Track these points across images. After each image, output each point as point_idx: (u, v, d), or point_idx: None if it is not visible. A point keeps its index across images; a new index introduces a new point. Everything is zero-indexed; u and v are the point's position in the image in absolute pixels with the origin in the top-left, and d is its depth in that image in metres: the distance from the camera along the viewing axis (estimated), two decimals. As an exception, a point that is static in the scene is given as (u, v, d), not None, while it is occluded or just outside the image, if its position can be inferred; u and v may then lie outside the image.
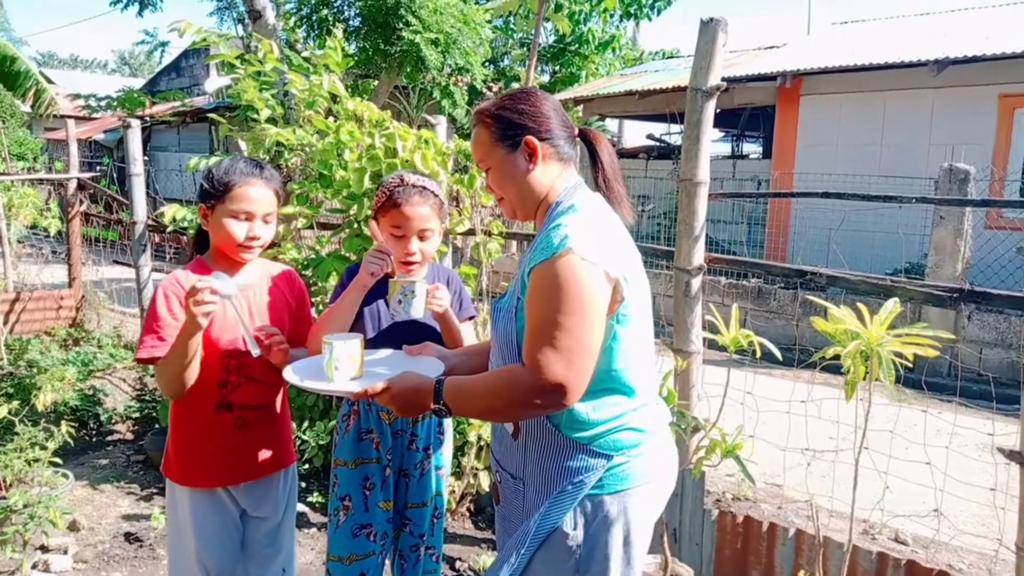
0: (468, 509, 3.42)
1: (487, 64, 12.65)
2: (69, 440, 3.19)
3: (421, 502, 2.17)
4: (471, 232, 3.52)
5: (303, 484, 3.50)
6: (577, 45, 14.37)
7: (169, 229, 4.24)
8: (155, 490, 3.61)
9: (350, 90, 4.04)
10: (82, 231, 6.13)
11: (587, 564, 1.45)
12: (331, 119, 3.43)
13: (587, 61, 14.64)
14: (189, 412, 1.94)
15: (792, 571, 2.66)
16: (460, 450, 3.27)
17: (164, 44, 25.83)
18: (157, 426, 4.14)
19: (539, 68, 14.89)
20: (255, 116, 3.57)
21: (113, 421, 4.39)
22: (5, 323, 5.40)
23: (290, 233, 3.62)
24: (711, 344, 2.38)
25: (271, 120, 3.58)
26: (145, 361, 1.84)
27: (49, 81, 9.26)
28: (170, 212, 4.05)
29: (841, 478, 2.95)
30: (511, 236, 3.66)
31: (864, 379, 1.91)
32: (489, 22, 9.52)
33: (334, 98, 3.51)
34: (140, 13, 11.92)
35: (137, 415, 4.43)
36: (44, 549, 2.98)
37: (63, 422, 3.18)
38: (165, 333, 1.82)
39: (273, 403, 2.03)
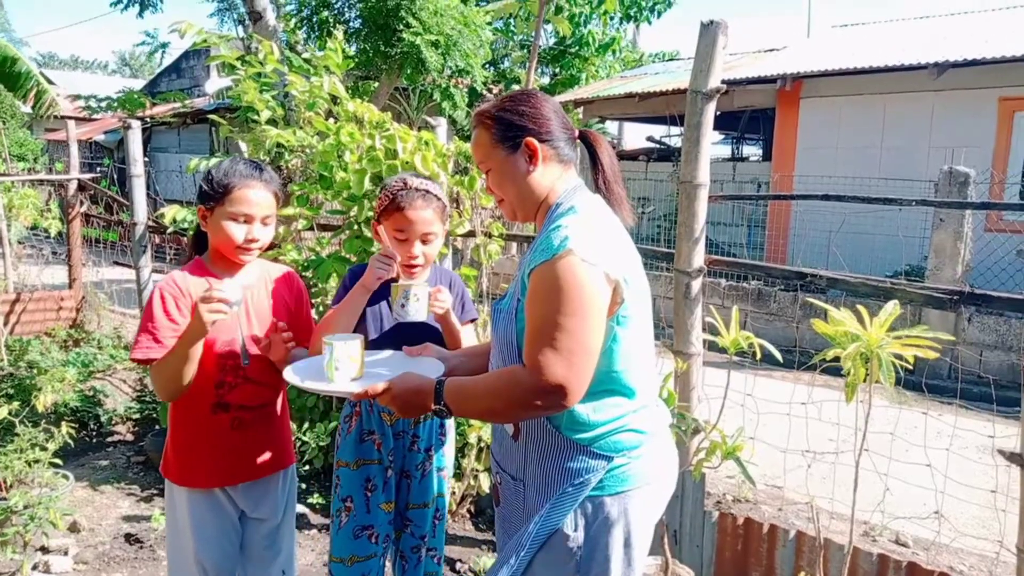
0: (468, 511, 3.42)
1: (487, 66, 12.65)
2: (69, 441, 3.19)
3: (422, 503, 2.17)
4: (471, 234, 3.52)
5: (303, 485, 3.50)
6: (577, 47, 14.38)
7: (169, 230, 4.24)
8: (155, 491, 3.61)
9: (350, 92, 4.04)
10: (82, 232, 6.13)
11: (588, 566, 1.45)
12: (331, 121, 3.43)
13: (587, 63, 14.65)
14: (187, 413, 1.95)
15: (793, 573, 2.66)
16: (460, 451, 3.27)
17: (165, 45, 25.86)
18: (157, 427, 4.14)
19: (539, 70, 14.90)
20: (255, 117, 3.57)
21: (113, 422, 4.39)
22: (5, 324, 5.39)
23: (290, 234, 3.62)
24: (711, 346, 2.39)
25: (271, 121, 3.58)
26: (140, 361, 1.84)
27: (50, 82, 9.27)
28: (170, 213, 4.05)
29: (841, 480, 2.95)
30: (511, 238, 3.66)
31: (864, 381, 1.91)
32: (489, 24, 9.52)
33: (334, 100, 3.51)
34: (140, 14, 11.94)
35: (137, 416, 4.43)
36: (44, 550, 2.98)
37: (63, 423, 3.18)
38: (161, 334, 1.82)
39: (271, 404, 2.03)
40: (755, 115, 11.89)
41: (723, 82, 2.44)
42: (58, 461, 3.12)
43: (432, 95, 11.19)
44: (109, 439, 4.30)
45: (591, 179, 1.61)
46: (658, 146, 14.03)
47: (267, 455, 2.01)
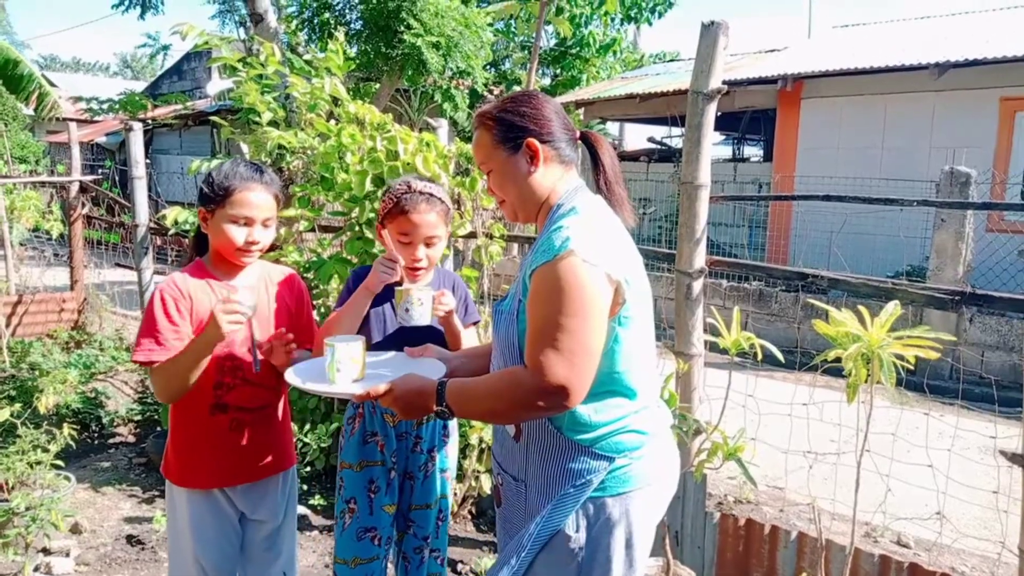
0: (470, 512, 3.42)
1: (488, 67, 12.67)
2: (71, 443, 3.19)
3: (425, 504, 2.17)
4: (472, 235, 3.52)
5: (305, 487, 3.50)
6: (578, 48, 14.39)
7: (171, 232, 4.24)
8: (157, 493, 3.61)
9: (351, 93, 4.05)
10: (84, 234, 6.13)
11: (589, 567, 1.45)
12: (333, 122, 3.43)
13: (588, 64, 14.65)
14: (186, 414, 1.95)
15: (794, 574, 2.66)
16: (462, 453, 3.27)
17: (166, 47, 25.92)
18: (159, 429, 4.14)
19: (540, 71, 14.92)
20: (257, 119, 3.57)
21: (115, 424, 4.40)
22: (7, 326, 5.40)
23: (292, 236, 3.63)
24: (712, 347, 2.39)
25: (273, 123, 3.59)
26: (142, 363, 1.84)
27: (51, 84, 9.30)
28: (172, 215, 4.05)
29: (843, 481, 2.94)
30: (512, 239, 3.66)
31: (865, 382, 1.91)
32: (490, 25, 9.53)
33: (336, 101, 3.51)
34: (142, 16, 11.94)
35: (139, 418, 4.43)
36: (46, 552, 2.99)
37: (65, 425, 3.18)
38: (163, 336, 1.82)
39: (270, 405, 2.03)
40: (756, 116, 11.89)
41: (724, 83, 2.44)
42: (60, 463, 3.13)
43: (433, 96, 11.20)
44: (111, 441, 4.31)
45: (592, 180, 1.61)
46: (659, 147, 14.03)
47: (266, 457, 2.01)
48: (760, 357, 2.20)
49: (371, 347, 2.02)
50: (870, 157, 9.09)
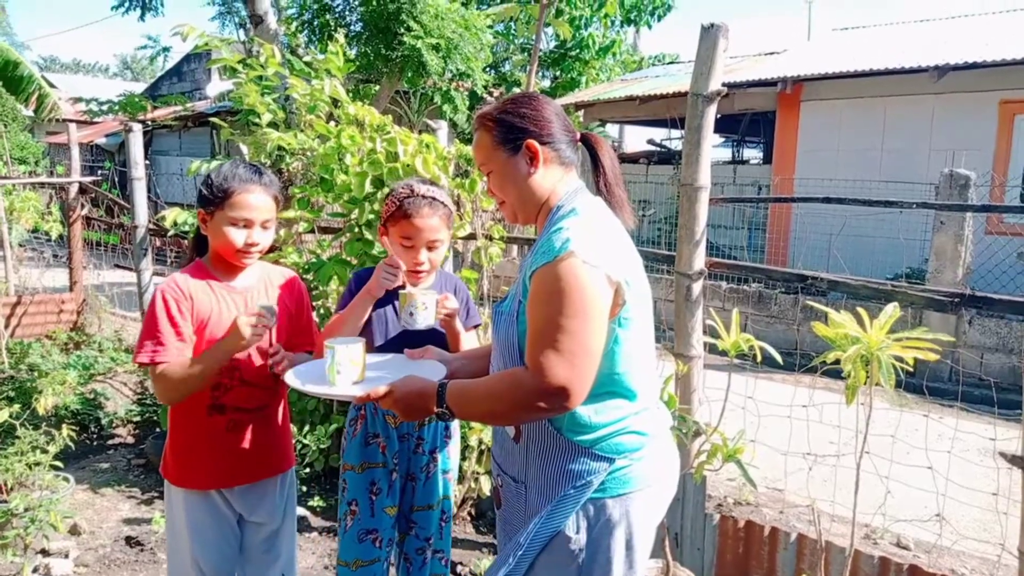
0: (469, 513, 3.42)
1: (488, 69, 12.68)
2: (70, 444, 3.19)
3: (427, 505, 2.17)
4: (472, 236, 3.52)
5: (304, 488, 3.50)
6: (578, 50, 14.40)
7: (170, 233, 4.24)
8: (156, 494, 3.61)
9: (351, 95, 4.05)
10: (83, 235, 6.13)
11: (589, 568, 1.45)
12: (332, 124, 3.43)
13: (588, 66, 14.67)
14: (184, 414, 1.95)
15: (793, 576, 2.66)
16: (461, 454, 3.27)
17: (166, 49, 25.92)
18: (158, 430, 4.14)
19: (540, 73, 14.93)
20: (257, 120, 3.58)
21: (114, 425, 4.39)
22: (6, 327, 5.40)
23: (291, 237, 3.63)
24: (712, 348, 2.39)
25: (272, 124, 3.59)
26: (145, 365, 1.84)
27: (51, 85, 9.30)
28: (171, 216, 4.06)
29: (842, 483, 2.94)
30: (512, 240, 3.66)
31: (865, 383, 1.91)
32: (490, 27, 9.55)
33: (335, 103, 3.52)
34: (142, 17, 11.95)
35: (138, 419, 4.43)
36: (45, 553, 2.98)
37: (64, 426, 3.17)
38: (164, 338, 1.82)
39: (268, 406, 2.03)
40: (756, 118, 11.91)
41: (724, 85, 2.44)
42: (59, 464, 3.12)
43: (433, 98, 11.21)
44: (110, 442, 4.30)
45: (592, 182, 1.62)
46: (659, 149, 14.03)
47: (265, 458, 2.01)
48: (759, 359, 2.20)
49: (373, 350, 2.02)
50: (870, 159, 9.10)
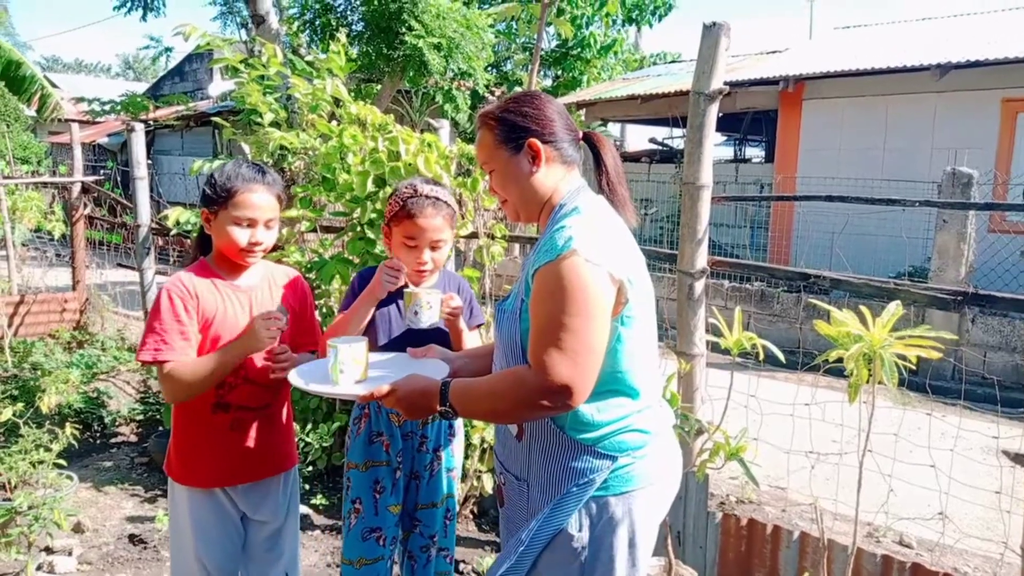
0: (472, 511, 3.42)
1: (489, 68, 12.69)
2: (73, 442, 3.20)
3: (431, 503, 2.17)
4: (474, 235, 3.52)
5: (307, 486, 3.51)
6: (579, 49, 14.39)
7: (173, 232, 4.25)
8: (159, 492, 3.62)
9: (353, 94, 4.05)
10: (86, 234, 6.14)
11: (592, 566, 1.45)
12: (334, 123, 3.44)
13: (589, 65, 14.66)
14: (188, 413, 1.96)
15: (796, 574, 2.66)
16: (464, 452, 3.27)
17: (169, 49, 25.95)
18: (161, 428, 4.15)
19: (542, 72, 14.93)
20: (259, 120, 3.58)
21: (117, 423, 4.40)
22: (9, 326, 5.41)
23: (294, 236, 3.63)
24: (714, 347, 2.39)
25: (274, 124, 3.59)
26: (148, 363, 1.84)
27: (54, 85, 9.29)
28: (173, 215, 4.06)
29: (845, 481, 2.95)
30: (514, 239, 3.66)
31: (867, 382, 1.91)
32: (492, 26, 9.55)
33: (337, 102, 3.52)
34: (143, 18, 11.96)
35: (141, 417, 4.44)
36: (49, 551, 2.99)
37: (67, 424, 3.18)
38: (169, 336, 1.82)
39: (271, 405, 2.03)
40: (757, 117, 11.89)
41: (726, 84, 2.44)
42: (62, 462, 3.13)
43: (434, 97, 11.21)
44: (113, 440, 4.31)
45: (595, 180, 1.62)
46: (661, 148, 14.03)
47: (268, 457, 2.02)
48: (762, 357, 2.20)
49: (377, 349, 2.02)
50: (872, 158, 9.09)
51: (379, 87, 9.86)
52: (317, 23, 9.34)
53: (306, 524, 3.26)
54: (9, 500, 2.87)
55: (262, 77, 3.66)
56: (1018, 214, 7.76)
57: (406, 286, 2.07)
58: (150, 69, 44.16)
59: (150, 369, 4.55)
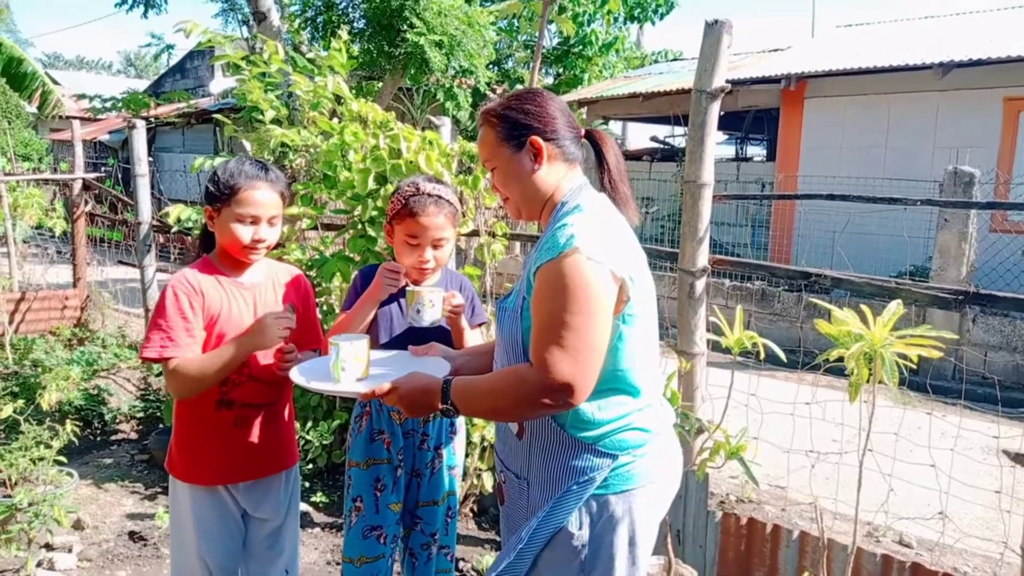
0: (471, 510, 3.42)
1: (491, 66, 12.66)
2: (74, 439, 3.20)
3: (432, 501, 2.18)
4: (475, 233, 3.52)
5: (307, 484, 3.51)
6: (581, 47, 14.38)
7: (173, 230, 4.25)
8: (159, 489, 3.62)
9: (354, 92, 4.05)
10: (87, 231, 6.14)
11: (592, 564, 1.45)
12: (335, 120, 3.44)
13: (590, 63, 14.65)
14: (192, 409, 1.95)
15: (796, 573, 2.66)
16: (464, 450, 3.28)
17: (170, 47, 25.96)
18: (161, 425, 4.15)
19: (543, 70, 14.92)
20: (260, 117, 3.58)
21: (117, 420, 4.41)
22: (10, 323, 5.41)
23: (294, 234, 3.63)
24: (715, 346, 2.38)
25: (276, 121, 3.59)
26: (153, 360, 1.84)
27: (55, 82, 9.31)
28: (174, 213, 4.06)
29: (845, 480, 2.95)
30: (515, 237, 3.66)
31: (868, 381, 1.91)
32: (493, 24, 9.54)
33: (338, 99, 3.52)
34: (145, 15, 11.94)
35: (141, 415, 4.44)
36: (49, 547, 2.99)
37: (68, 421, 3.18)
38: (175, 333, 1.82)
39: (275, 402, 2.03)
40: (759, 115, 11.87)
41: (727, 82, 2.43)
42: (62, 459, 3.13)
43: (436, 95, 11.20)
44: (113, 437, 4.32)
45: (597, 178, 1.61)
46: (662, 146, 14.01)
47: (270, 454, 2.02)
48: (763, 356, 2.20)
49: (378, 347, 2.02)
50: (873, 157, 9.08)
51: (380, 84, 9.86)
52: (319, 20, 9.33)
53: (306, 522, 3.26)
54: (9, 497, 2.87)
55: (263, 74, 3.65)
56: (1020, 213, 7.75)
57: (407, 285, 2.07)
58: (151, 66, 44.16)
59: (150, 366, 4.55)
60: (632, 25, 15.55)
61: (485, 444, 3.28)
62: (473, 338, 2.13)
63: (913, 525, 3.16)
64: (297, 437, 2.99)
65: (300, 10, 9.80)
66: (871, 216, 7.35)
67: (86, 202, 5.97)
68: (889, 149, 9.08)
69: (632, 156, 13.06)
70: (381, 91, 9.57)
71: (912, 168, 8.46)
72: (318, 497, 3.46)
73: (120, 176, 12.14)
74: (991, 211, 7.64)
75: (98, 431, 4.35)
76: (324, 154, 3.29)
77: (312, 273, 3.31)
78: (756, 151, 15.17)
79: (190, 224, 4.06)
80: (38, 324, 5.71)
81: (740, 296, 7.78)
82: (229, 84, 15.81)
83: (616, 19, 14.56)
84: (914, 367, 1.92)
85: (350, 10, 9.27)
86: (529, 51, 14.05)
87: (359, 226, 3.22)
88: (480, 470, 3.33)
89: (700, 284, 2.53)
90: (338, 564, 2.97)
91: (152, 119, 13.95)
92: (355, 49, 8.49)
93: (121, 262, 7.41)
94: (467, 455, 3.28)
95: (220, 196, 1.88)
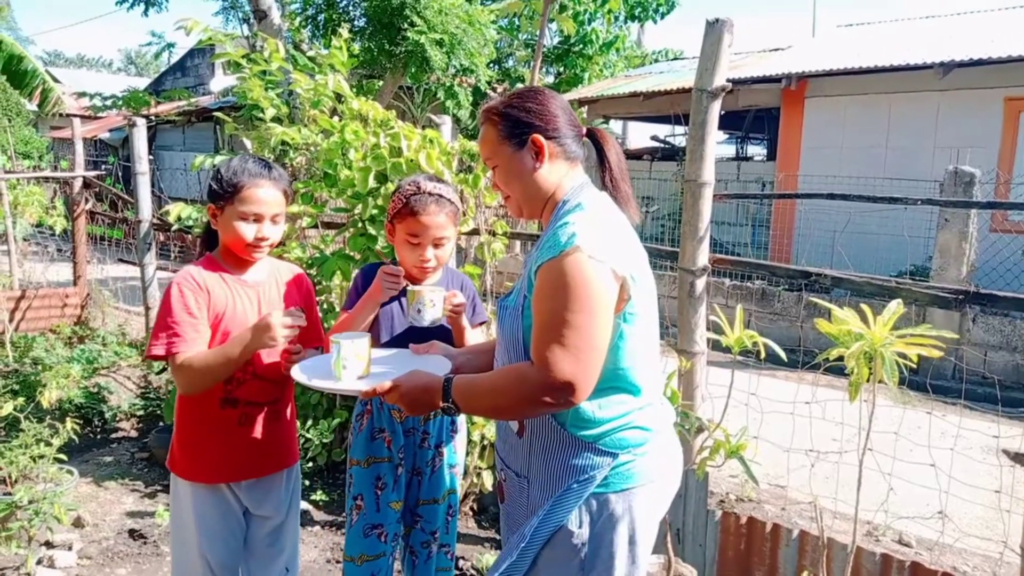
0: (471, 508, 3.43)
1: (492, 65, 12.66)
2: (74, 437, 3.20)
3: (433, 499, 2.18)
4: (475, 232, 3.52)
5: (307, 482, 3.51)
6: (581, 46, 14.38)
7: (174, 228, 4.25)
8: (159, 487, 3.62)
9: (355, 90, 4.05)
10: (87, 229, 6.14)
11: (592, 563, 1.46)
12: (336, 119, 3.43)
13: (591, 62, 14.64)
14: (195, 407, 1.95)
15: (796, 572, 2.66)
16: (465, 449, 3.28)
17: (171, 45, 25.91)
18: (161, 423, 4.15)
19: (543, 69, 14.91)
20: (260, 115, 3.58)
21: (117, 418, 4.41)
22: (11, 320, 5.41)
23: (295, 232, 3.63)
24: (715, 345, 2.39)
25: (276, 119, 3.59)
26: (161, 357, 1.83)
27: (55, 80, 9.31)
28: (175, 211, 4.06)
29: (845, 480, 2.95)
30: (515, 236, 3.66)
31: (868, 380, 1.91)
32: (494, 23, 9.54)
33: (339, 98, 3.52)
34: (145, 13, 11.94)
35: (141, 413, 4.44)
36: (49, 545, 3.00)
37: (68, 419, 3.18)
38: (181, 329, 1.82)
39: (278, 401, 2.03)
40: (760, 114, 11.87)
41: (728, 81, 2.43)
42: (63, 457, 3.13)
43: (436, 94, 11.20)
44: (113, 435, 4.32)
45: (598, 177, 1.61)
46: (662, 145, 14.01)
47: (273, 453, 2.02)
48: (763, 355, 2.20)
49: (379, 346, 2.03)
50: (874, 156, 9.08)
51: (381, 83, 9.86)
52: (319, 18, 9.33)
53: (306, 520, 3.26)
54: (9, 494, 2.87)
55: (264, 72, 3.65)
56: (1020, 213, 7.75)
57: (407, 285, 2.07)
58: (152, 64, 44.13)
59: (151, 364, 4.55)
60: (633, 24, 15.55)
61: (485, 442, 3.28)
62: (474, 337, 2.13)
63: (913, 524, 3.17)
64: (297, 435, 2.99)
65: (301, 8, 9.81)
66: (871, 216, 7.35)
67: (86, 200, 5.97)
68: (890, 149, 9.08)
69: (633, 155, 13.05)
70: (382, 89, 9.57)
71: (912, 168, 8.46)
72: (318, 495, 3.46)
73: (120, 174, 12.15)
74: (991, 211, 7.64)
75: (98, 429, 4.35)
76: (324, 152, 3.29)
77: (312, 271, 3.31)
78: (756, 150, 15.17)
79: (190, 222, 4.06)
80: (38, 322, 5.71)
81: (740, 295, 7.79)
82: (230, 82, 15.80)
83: (617, 18, 14.56)
84: (914, 366, 1.92)
85: (351, 8, 9.27)
86: (530, 50, 14.04)
87: (359, 224, 3.22)
88: (480, 468, 3.34)
89: (700, 283, 2.54)
90: (338, 562, 2.98)
91: (152, 117, 13.96)
92: (356, 47, 8.48)
93: (121, 260, 7.41)
94: (467, 453, 3.29)
95: (223, 194, 1.88)
